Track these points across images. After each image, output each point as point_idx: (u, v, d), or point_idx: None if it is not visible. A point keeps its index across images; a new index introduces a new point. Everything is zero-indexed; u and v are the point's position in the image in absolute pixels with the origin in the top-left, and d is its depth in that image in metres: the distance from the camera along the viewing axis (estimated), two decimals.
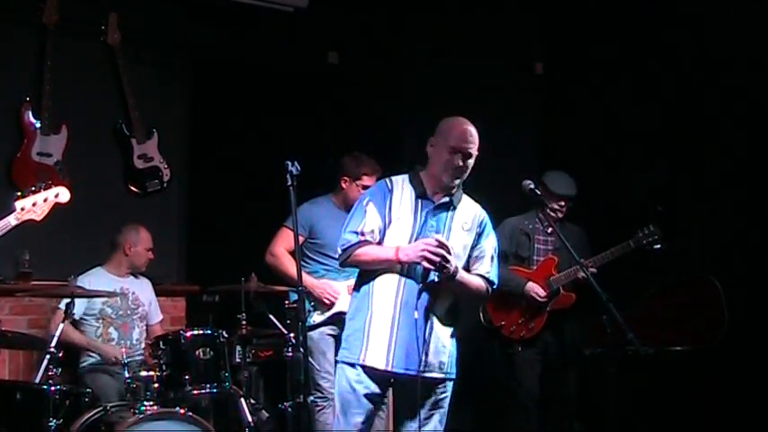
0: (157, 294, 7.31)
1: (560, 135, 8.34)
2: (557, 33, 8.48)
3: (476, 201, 5.08)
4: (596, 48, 8.14)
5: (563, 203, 6.83)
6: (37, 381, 6.12)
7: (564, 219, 6.92)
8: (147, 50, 7.94)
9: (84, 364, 6.78)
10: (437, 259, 4.64)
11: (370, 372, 4.77)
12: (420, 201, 4.87)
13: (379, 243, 4.84)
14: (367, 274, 4.89)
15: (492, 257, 4.99)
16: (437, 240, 4.68)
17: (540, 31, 8.62)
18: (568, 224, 6.93)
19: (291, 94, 8.12)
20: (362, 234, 4.82)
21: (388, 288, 4.78)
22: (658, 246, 6.73)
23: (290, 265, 6.45)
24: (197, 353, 6.24)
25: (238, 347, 6.74)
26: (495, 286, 5.02)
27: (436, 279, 4.75)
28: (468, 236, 4.93)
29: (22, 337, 6.36)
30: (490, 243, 5.00)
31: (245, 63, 8.12)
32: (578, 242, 6.72)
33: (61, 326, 6.06)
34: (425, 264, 4.67)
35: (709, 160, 7.45)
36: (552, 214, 6.73)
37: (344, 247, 4.86)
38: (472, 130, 4.94)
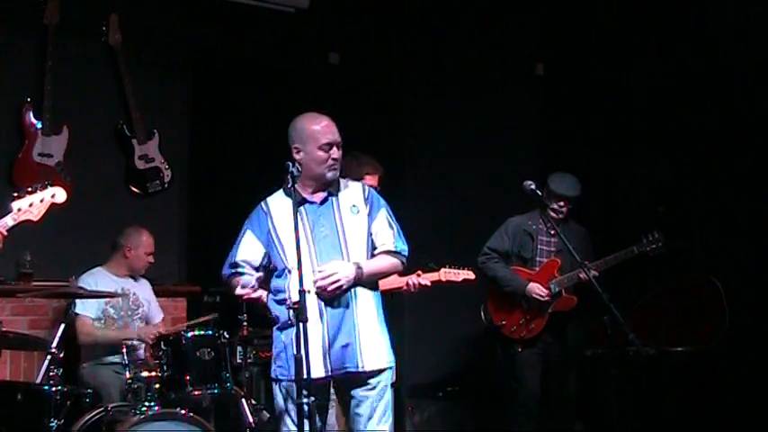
0: (158, 295, 7.31)
1: (561, 135, 8.35)
2: (557, 34, 8.49)
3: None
4: (597, 48, 8.15)
5: (562, 204, 6.82)
6: (38, 381, 6.13)
7: (567, 219, 6.91)
8: (148, 51, 7.94)
9: (86, 364, 6.79)
10: (334, 288, 4.71)
11: (307, 383, 4.63)
12: (303, 208, 4.83)
13: (273, 268, 4.91)
14: (278, 282, 4.91)
15: (390, 225, 4.95)
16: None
17: (541, 32, 8.63)
18: (572, 224, 6.92)
19: (292, 94, 8.12)
20: (235, 266, 4.98)
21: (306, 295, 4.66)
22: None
23: None
24: (198, 353, 6.24)
25: (239, 348, 6.74)
26: (404, 253, 4.96)
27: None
28: (361, 217, 4.91)
29: (24, 338, 6.37)
30: (383, 213, 4.96)
31: (246, 64, 8.13)
32: (581, 243, 6.71)
33: (62, 327, 6.07)
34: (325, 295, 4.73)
35: (710, 161, 7.45)
36: (553, 215, 6.72)
37: (226, 275, 5.05)
38: (323, 116, 4.97)
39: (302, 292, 4.46)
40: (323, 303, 4.72)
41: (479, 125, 8.47)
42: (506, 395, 7.03)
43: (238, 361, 6.71)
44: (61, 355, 5.98)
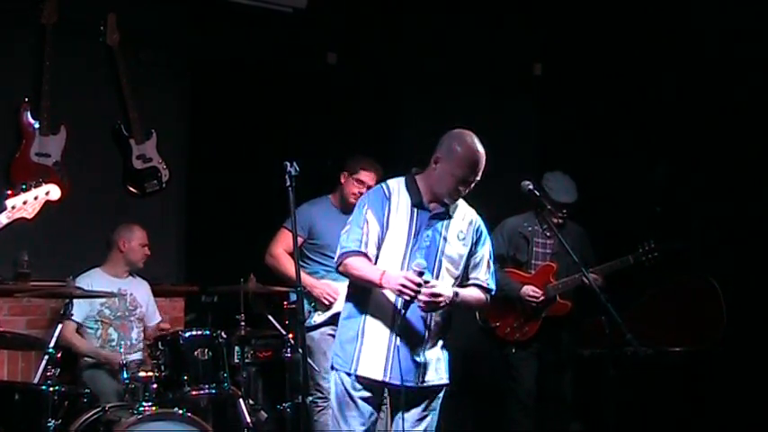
0: (156, 295, 7.31)
1: (558, 135, 8.35)
2: (555, 34, 8.49)
3: (471, 205, 5.04)
4: (594, 48, 8.15)
5: (565, 211, 6.80)
6: (36, 381, 6.13)
7: (565, 218, 6.89)
8: (145, 51, 7.93)
9: (83, 364, 6.78)
10: (412, 294, 4.61)
11: (365, 380, 4.77)
12: (416, 210, 4.83)
13: (378, 250, 4.81)
14: (360, 291, 4.89)
15: (489, 263, 4.98)
16: (414, 278, 4.62)
17: (539, 32, 8.63)
18: (569, 224, 6.91)
19: (290, 94, 8.13)
20: (366, 246, 4.80)
21: (383, 307, 4.77)
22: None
23: (289, 266, 6.45)
24: (196, 353, 6.24)
25: (237, 348, 6.74)
26: (493, 292, 5.01)
27: (419, 309, 4.74)
28: (465, 245, 4.90)
29: (21, 338, 6.36)
30: (486, 249, 4.99)
31: (244, 63, 8.12)
32: (579, 244, 6.71)
33: (59, 327, 6.08)
34: (402, 297, 4.66)
35: (708, 162, 7.45)
36: (555, 220, 6.71)
37: (345, 251, 4.83)
38: (482, 158, 4.90)
39: (299, 292, 4.46)
40: (399, 310, 4.71)
41: (477, 125, 8.42)
42: (503, 394, 7.04)
43: (236, 361, 6.70)
44: (59, 355, 5.98)
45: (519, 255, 6.94)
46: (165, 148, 7.95)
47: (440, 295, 4.66)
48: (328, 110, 8.23)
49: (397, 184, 4.92)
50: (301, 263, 6.44)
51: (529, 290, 6.77)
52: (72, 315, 6.47)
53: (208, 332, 6.40)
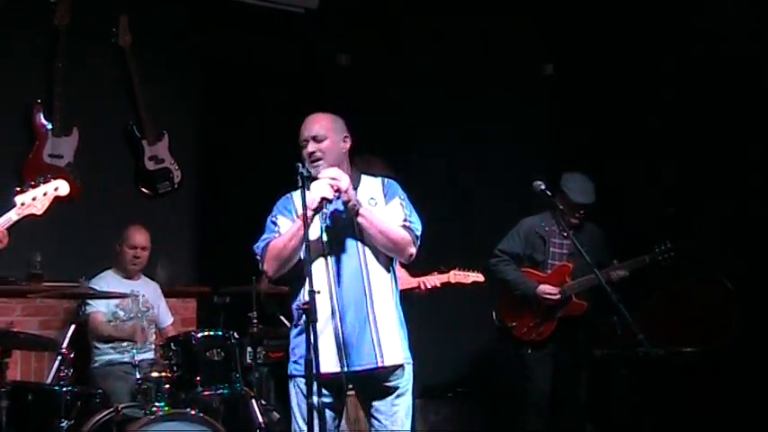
0: (168, 296, 7.34)
1: (569, 136, 8.34)
2: (566, 34, 8.49)
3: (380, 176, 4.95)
4: (605, 48, 8.14)
5: (582, 212, 6.79)
6: (48, 381, 6.16)
7: (582, 219, 6.88)
8: (157, 52, 7.96)
9: (96, 364, 6.81)
10: (334, 184, 4.53)
11: (326, 380, 4.55)
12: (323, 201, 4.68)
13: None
14: (296, 286, 4.72)
15: (402, 206, 4.80)
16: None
17: (550, 32, 8.62)
18: (586, 225, 6.88)
19: (302, 95, 8.12)
20: (275, 232, 4.72)
21: (319, 288, 4.55)
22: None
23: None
24: (208, 354, 6.25)
25: (249, 348, 6.75)
26: (417, 230, 4.76)
27: (341, 208, 4.63)
28: (378, 209, 4.77)
29: (34, 339, 6.38)
30: (396, 200, 4.81)
31: (256, 64, 8.13)
32: (596, 243, 6.71)
33: (72, 327, 6.11)
34: (325, 193, 4.52)
35: (720, 162, 7.43)
36: (572, 220, 6.70)
37: (260, 251, 4.76)
38: (312, 116, 4.85)
39: (312, 293, 4.43)
40: (335, 298, 4.60)
41: (488, 126, 8.47)
42: (517, 394, 7.03)
43: (248, 361, 6.71)
44: (71, 355, 6.01)
45: (536, 254, 6.92)
46: (177, 149, 7.98)
47: (337, 179, 4.56)
48: (340, 111, 8.21)
49: (298, 192, 4.76)
50: None
51: (546, 288, 6.76)
52: (89, 311, 6.53)
53: (220, 333, 6.41)
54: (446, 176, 8.41)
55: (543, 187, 5.58)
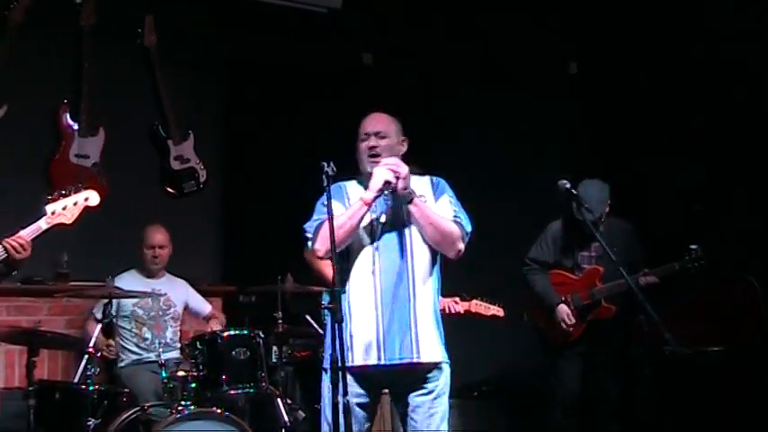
0: None
1: (595, 134, 8.31)
2: (590, 32, 8.46)
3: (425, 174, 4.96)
4: (630, 46, 8.11)
5: (602, 218, 6.72)
6: (76, 381, 6.20)
7: (610, 215, 6.79)
8: (182, 52, 7.99)
9: (122, 364, 6.84)
10: (397, 170, 4.59)
11: (361, 375, 4.60)
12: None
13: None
14: (340, 273, 4.59)
15: (450, 202, 4.81)
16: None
17: (574, 30, 8.59)
18: (614, 222, 6.79)
19: (325, 94, 8.14)
20: (327, 214, 4.60)
21: (363, 280, 4.64)
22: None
23: (327, 267, 6.44)
24: (234, 353, 6.27)
25: (275, 348, 6.76)
26: (467, 227, 4.78)
27: (391, 203, 4.67)
28: (429, 204, 4.77)
29: (61, 338, 6.43)
30: (445, 197, 4.83)
31: (280, 64, 8.13)
32: (626, 241, 6.66)
33: (98, 327, 6.15)
34: (389, 177, 4.57)
35: (748, 160, 7.38)
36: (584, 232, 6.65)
37: (313, 229, 4.70)
38: (379, 114, 4.91)
39: (337, 293, 4.43)
40: (378, 290, 4.62)
41: (513, 124, 8.46)
42: (545, 393, 7.02)
43: (273, 360, 6.72)
44: (98, 354, 6.03)
45: (565, 260, 6.88)
46: (203, 149, 8.00)
47: (398, 165, 4.62)
48: (364, 110, 8.20)
49: (351, 182, 4.86)
50: None
51: (563, 312, 6.76)
52: (112, 314, 6.56)
53: (246, 332, 6.43)
54: (469, 176, 8.37)
55: (568, 186, 5.54)
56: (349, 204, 4.72)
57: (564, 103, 8.65)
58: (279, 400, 6.42)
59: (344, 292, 4.55)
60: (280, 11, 8.09)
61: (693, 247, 6.54)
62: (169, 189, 7.91)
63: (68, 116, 7.41)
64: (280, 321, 6.68)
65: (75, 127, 7.42)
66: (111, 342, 6.83)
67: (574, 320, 6.76)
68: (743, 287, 7.25)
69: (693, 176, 7.72)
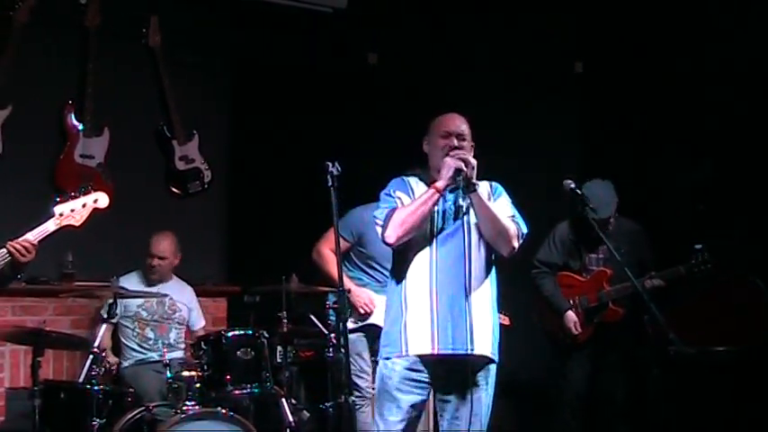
0: (199, 295, 7.35)
1: (601, 134, 8.30)
2: (596, 31, 8.45)
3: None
4: (636, 45, 8.10)
5: (611, 221, 6.71)
6: (80, 380, 6.20)
7: (618, 217, 6.81)
8: (187, 52, 7.98)
9: (126, 363, 6.85)
10: (468, 159, 4.70)
11: (416, 362, 4.67)
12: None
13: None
14: (398, 266, 4.80)
15: (509, 205, 4.92)
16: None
17: (580, 30, 8.59)
18: (623, 223, 6.81)
19: (331, 94, 8.14)
20: (398, 201, 4.75)
21: (420, 272, 4.69)
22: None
23: (333, 267, 6.42)
24: (238, 353, 6.26)
25: (279, 348, 6.76)
26: (522, 227, 4.85)
27: (453, 199, 4.74)
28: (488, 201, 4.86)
29: (66, 338, 6.43)
30: (503, 198, 4.94)
31: (285, 64, 8.13)
32: (635, 243, 6.67)
33: (103, 327, 6.16)
34: (460, 164, 4.67)
35: (753, 160, 7.37)
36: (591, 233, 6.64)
37: (384, 217, 4.74)
38: (458, 115, 4.98)
39: (342, 292, 4.43)
40: (435, 281, 4.67)
41: (519, 124, 8.44)
42: (553, 394, 7.02)
43: (278, 360, 6.71)
44: (103, 354, 6.04)
45: (572, 262, 6.88)
46: (208, 149, 8.00)
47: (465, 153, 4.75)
48: (369, 110, 8.23)
49: (412, 178, 4.94)
50: (346, 265, 6.45)
51: (570, 320, 6.76)
52: (116, 314, 6.57)
53: (250, 332, 6.42)
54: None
55: (573, 186, 5.54)
56: (414, 198, 4.76)
57: (569, 102, 8.65)
58: (283, 400, 6.41)
59: (349, 291, 4.56)
60: (285, 11, 8.09)
61: (698, 247, 6.53)
62: (174, 189, 7.90)
63: (73, 116, 7.41)
64: (284, 321, 6.68)
65: (80, 127, 7.42)
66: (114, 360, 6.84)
67: (581, 330, 6.76)
68: (748, 288, 7.24)
69: (699, 176, 7.71)
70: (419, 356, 4.66)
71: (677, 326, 5.36)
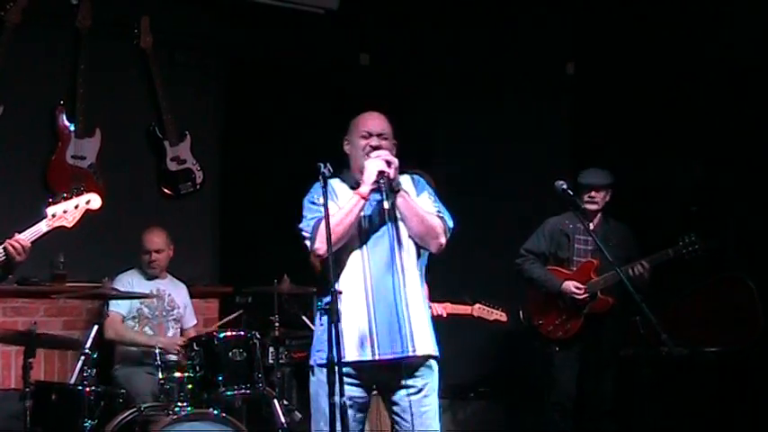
0: (191, 296, 7.34)
1: (592, 135, 8.31)
2: (588, 32, 8.46)
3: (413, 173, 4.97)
4: (628, 46, 8.11)
5: (593, 194, 6.79)
6: (72, 381, 6.19)
7: (608, 217, 6.89)
8: (179, 53, 7.98)
9: (119, 365, 6.84)
10: (390, 159, 4.60)
11: (353, 371, 4.59)
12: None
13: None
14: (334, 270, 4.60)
15: (430, 198, 4.82)
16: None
17: (572, 30, 8.60)
18: (612, 222, 6.91)
19: (323, 95, 8.14)
20: (322, 210, 4.57)
21: (353, 277, 4.62)
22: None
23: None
24: (230, 354, 6.26)
25: (271, 349, 6.76)
26: (448, 222, 4.77)
27: (377, 198, 4.63)
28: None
29: (58, 339, 6.43)
30: (425, 194, 4.84)
31: (277, 65, 8.14)
32: (622, 240, 6.75)
33: (95, 328, 6.15)
34: (382, 166, 4.57)
35: (744, 160, 7.39)
36: (588, 207, 6.71)
37: (311, 229, 4.64)
38: (377, 113, 4.92)
39: (334, 293, 4.41)
40: (369, 286, 4.61)
41: (510, 125, 8.46)
42: (542, 394, 7.02)
43: (270, 361, 6.71)
44: (95, 355, 6.04)
45: (560, 252, 6.94)
46: (199, 150, 8.00)
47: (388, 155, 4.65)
48: (361, 111, 8.20)
49: (335, 180, 4.80)
50: None
51: (571, 285, 6.77)
52: (110, 310, 6.57)
53: (242, 333, 6.42)
54: (467, 176, 8.39)
55: (565, 186, 5.55)
56: (337, 201, 4.71)
57: (561, 103, 8.65)
58: (275, 401, 6.42)
59: (341, 293, 4.53)
60: (277, 11, 8.09)
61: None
62: (166, 190, 7.89)
63: (65, 117, 7.40)
64: (276, 323, 6.68)
65: (72, 128, 7.41)
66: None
67: (583, 288, 6.75)
68: (740, 288, 7.27)
69: (694, 176, 7.73)
70: (359, 362, 4.57)
71: (669, 326, 5.37)
